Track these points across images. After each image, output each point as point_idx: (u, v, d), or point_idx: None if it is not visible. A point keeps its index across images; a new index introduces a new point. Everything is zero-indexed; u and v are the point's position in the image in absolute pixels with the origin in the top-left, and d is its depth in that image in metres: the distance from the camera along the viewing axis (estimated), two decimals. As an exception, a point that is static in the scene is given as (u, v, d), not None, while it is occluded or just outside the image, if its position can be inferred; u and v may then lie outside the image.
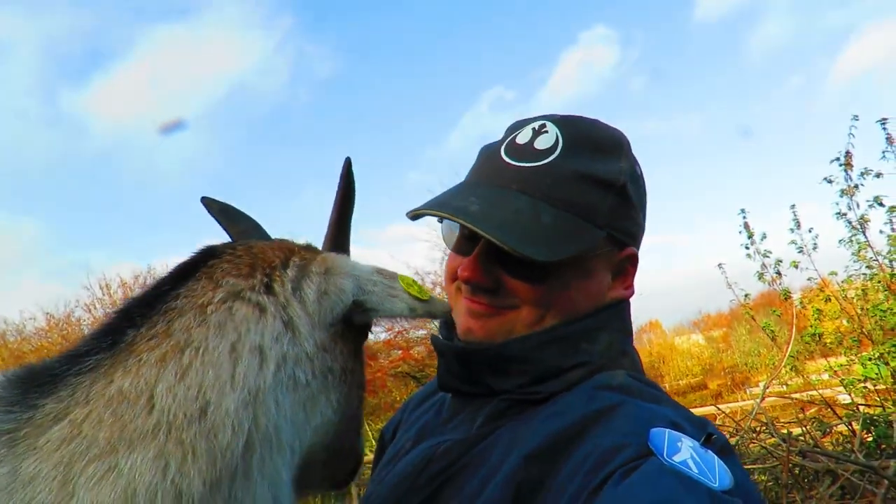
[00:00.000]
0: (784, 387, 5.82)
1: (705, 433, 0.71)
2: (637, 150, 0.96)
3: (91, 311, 22.94)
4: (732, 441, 4.07)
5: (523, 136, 0.89)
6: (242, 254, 0.83)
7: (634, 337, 0.97)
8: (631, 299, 0.96)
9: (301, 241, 0.94)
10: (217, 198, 1.04)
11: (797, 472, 3.17)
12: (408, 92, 52.20)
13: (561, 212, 0.84)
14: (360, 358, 0.90)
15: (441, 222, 0.92)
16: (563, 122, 0.90)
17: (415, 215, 0.88)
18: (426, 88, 52.96)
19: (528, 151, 0.87)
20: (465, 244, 0.91)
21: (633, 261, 0.95)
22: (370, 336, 0.93)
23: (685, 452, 0.67)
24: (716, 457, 0.68)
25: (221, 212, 1.04)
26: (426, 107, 52.42)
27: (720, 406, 5.14)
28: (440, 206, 0.85)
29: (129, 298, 0.81)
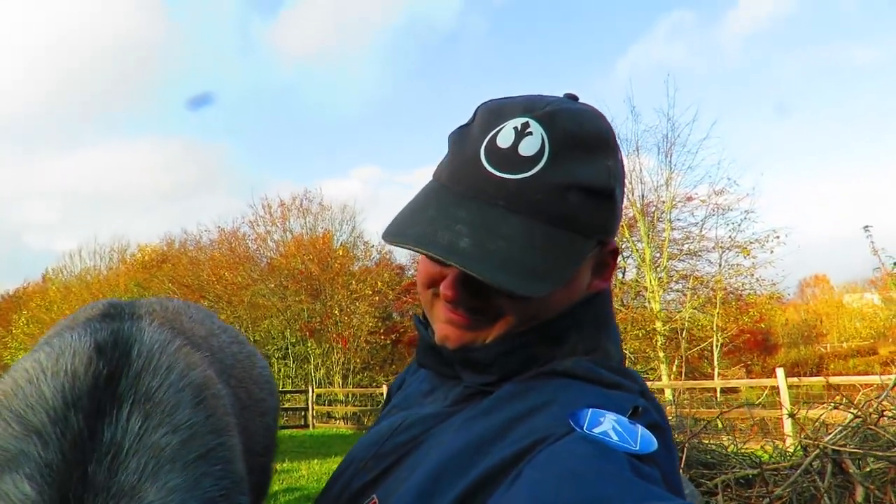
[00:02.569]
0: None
1: (633, 408, 0.74)
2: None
3: (253, 228, 25.71)
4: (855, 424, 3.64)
5: (504, 138, 0.82)
6: None
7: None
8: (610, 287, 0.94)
9: None
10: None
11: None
12: (578, 13, 49.37)
13: (552, 230, 0.80)
14: None
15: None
16: (548, 120, 0.82)
17: (392, 242, 0.83)
18: (597, 10, 49.61)
19: (512, 159, 0.81)
20: None
21: (615, 254, 0.92)
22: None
23: (606, 425, 0.70)
24: (641, 427, 0.71)
25: None
26: (596, 32, 49.34)
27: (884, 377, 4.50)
28: (422, 240, 0.79)
29: None
